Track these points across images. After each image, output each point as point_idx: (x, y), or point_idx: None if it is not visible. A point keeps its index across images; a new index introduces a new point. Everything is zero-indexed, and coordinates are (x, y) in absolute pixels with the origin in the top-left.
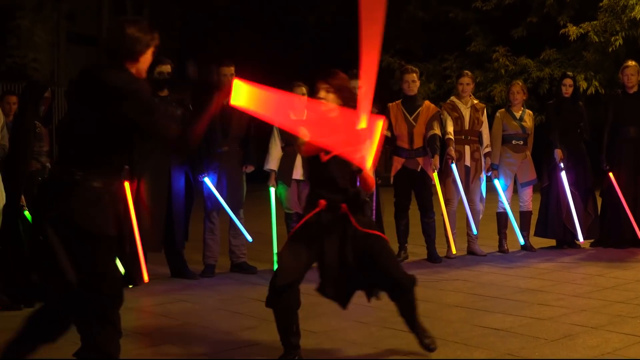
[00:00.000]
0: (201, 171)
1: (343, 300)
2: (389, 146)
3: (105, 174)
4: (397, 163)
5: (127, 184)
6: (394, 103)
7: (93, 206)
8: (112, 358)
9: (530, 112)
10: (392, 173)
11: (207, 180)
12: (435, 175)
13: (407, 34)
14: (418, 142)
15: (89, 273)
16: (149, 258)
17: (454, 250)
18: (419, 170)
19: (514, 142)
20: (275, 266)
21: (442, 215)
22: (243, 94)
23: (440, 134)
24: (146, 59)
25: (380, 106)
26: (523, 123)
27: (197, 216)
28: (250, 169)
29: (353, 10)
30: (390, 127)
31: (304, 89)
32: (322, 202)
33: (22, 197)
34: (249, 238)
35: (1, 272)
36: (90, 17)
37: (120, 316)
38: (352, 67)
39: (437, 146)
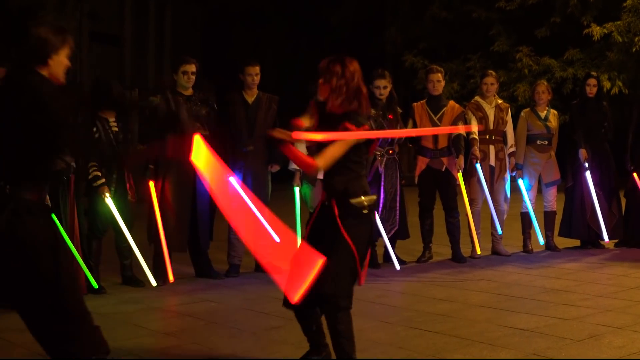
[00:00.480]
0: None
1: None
2: (412, 146)
3: (35, 185)
4: (422, 163)
5: (152, 184)
6: (418, 103)
7: (27, 217)
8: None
9: (555, 112)
10: (417, 173)
11: (232, 179)
12: (460, 176)
13: (430, 34)
14: (442, 142)
15: (38, 282)
16: (173, 258)
17: (478, 251)
18: (443, 170)
19: (538, 142)
20: None
21: (467, 215)
22: (201, 153)
23: (464, 133)
24: (59, 61)
25: (404, 106)
26: (548, 123)
27: (222, 216)
28: (275, 168)
29: (376, 9)
30: (414, 126)
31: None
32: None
33: (47, 197)
34: (276, 238)
35: None
36: (113, 16)
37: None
38: (375, 67)
39: (461, 146)
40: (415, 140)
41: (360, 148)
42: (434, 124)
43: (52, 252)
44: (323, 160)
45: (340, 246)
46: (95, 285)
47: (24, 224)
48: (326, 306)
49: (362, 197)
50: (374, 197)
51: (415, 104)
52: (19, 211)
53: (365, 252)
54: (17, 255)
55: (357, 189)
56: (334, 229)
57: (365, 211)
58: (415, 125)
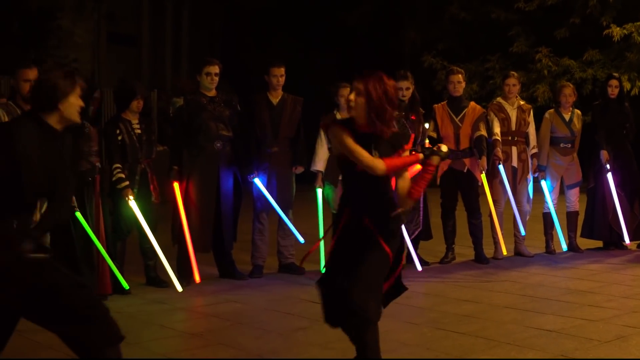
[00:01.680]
0: (251, 172)
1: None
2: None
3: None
4: (443, 164)
5: (176, 185)
6: (439, 104)
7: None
8: None
9: (579, 113)
10: (438, 174)
11: (257, 180)
12: (483, 177)
13: (449, 35)
14: (464, 143)
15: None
16: (197, 259)
17: (504, 252)
18: (465, 171)
19: (562, 145)
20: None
21: (491, 216)
22: None
23: (486, 135)
24: (70, 104)
25: (425, 108)
26: (572, 126)
27: (245, 217)
28: (300, 169)
29: (394, 11)
30: (436, 128)
31: (349, 90)
32: (347, 210)
33: (73, 197)
34: (301, 239)
35: None
36: (130, 17)
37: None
38: (395, 68)
39: (484, 147)
40: (437, 141)
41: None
42: (455, 125)
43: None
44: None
45: (375, 259)
46: (126, 286)
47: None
48: (355, 319)
49: (399, 210)
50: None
51: (436, 105)
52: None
53: (397, 263)
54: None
55: (392, 203)
56: (367, 242)
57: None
58: (436, 127)
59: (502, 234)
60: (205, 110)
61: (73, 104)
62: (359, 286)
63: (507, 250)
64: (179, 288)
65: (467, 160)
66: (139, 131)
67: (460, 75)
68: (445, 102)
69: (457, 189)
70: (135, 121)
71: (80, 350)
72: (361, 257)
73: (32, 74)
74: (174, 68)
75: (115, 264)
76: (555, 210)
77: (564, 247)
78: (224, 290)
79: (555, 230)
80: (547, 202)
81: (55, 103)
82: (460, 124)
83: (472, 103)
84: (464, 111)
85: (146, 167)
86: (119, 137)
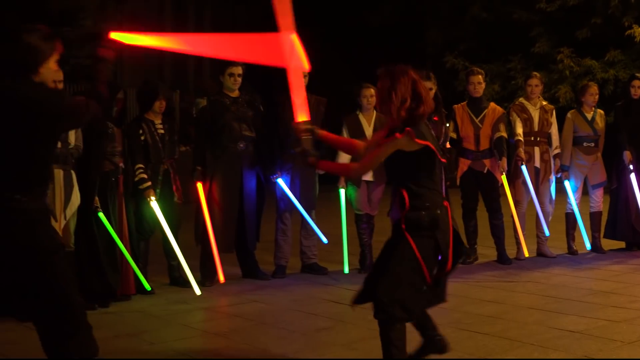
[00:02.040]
0: (274, 172)
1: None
2: (454, 148)
3: (37, 192)
4: (463, 164)
5: (200, 185)
6: (459, 105)
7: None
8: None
9: (602, 112)
10: (459, 174)
11: (280, 181)
12: (503, 177)
13: (470, 35)
14: (484, 144)
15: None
16: (221, 259)
17: (526, 253)
18: (485, 172)
19: (585, 144)
20: (346, 268)
21: (512, 217)
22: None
23: (506, 135)
24: (48, 68)
25: (446, 109)
26: (594, 125)
27: (268, 217)
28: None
29: (416, 11)
30: (456, 128)
31: (372, 90)
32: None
33: (96, 198)
34: (324, 239)
35: (76, 272)
36: (153, 18)
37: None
38: (417, 68)
39: (504, 148)
40: (457, 142)
41: (422, 161)
42: (475, 126)
43: (52, 257)
44: (361, 164)
45: (404, 256)
46: (147, 287)
47: (28, 232)
48: (380, 313)
49: (423, 213)
50: (437, 212)
51: (456, 105)
52: (23, 220)
53: (434, 265)
54: (21, 263)
55: (419, 204)
56: (401, 238)
57: (425, 227)
58: (456, 127)
59: (524, 234)
60: (228, 110)
61: (51, 69)
62: (387, 282)
63: (529, 251)
64: (197, 292)
65: (487, 161)
66: (161, 131)
67: (480, 76)
68: (465, 102)
69: (477, 189)
70: (158, 121)
71: (49, 349)
72: (393, 253)
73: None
74: (196, 69)
75: (138, 265)
76: (578, 210)
77: (588, 246)
78: (247, 290)
79: (578, 230)
80: (570, 203)
81: (36, 66)
82: (480, 125)
83: (492, 104)
84: (484, 112)
85: (169, 167)
86: (142, 137)
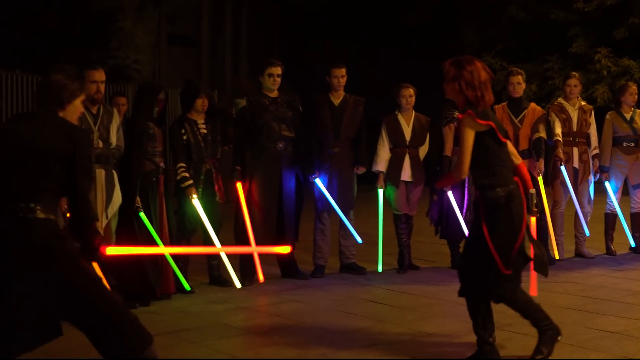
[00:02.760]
0: (312, 172)
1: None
2: None
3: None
4: None
5: (239, 185)
6: (499, 105)
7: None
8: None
9: None
10: None
11: (318, 181)
12: (540, 179)
13: (507, 35)
14: (523, 144)
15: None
16: (260, 258)
17: (556, 255)
18: None
19: (624, 144)
20: (380, 267)
21: (546, 218)
22: None
23: (545, 136)
24: (75, 107)
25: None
26: (634, 124)
27: (307, 216)
28: (361, 170)
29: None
30: None
31: (411, 90)
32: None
33: (138, 198)
34: (359, 239)
35: (117, 271)
36: (191, 18)
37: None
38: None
39: (542, 149)
40: None
41: (486, 141)
42: (515, 127)
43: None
44: (457, 165)
45: (481, 240)
46: (187, 287)
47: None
48: (495, 298)
49: (498, 189)
50: (511, 187)
51: (496, 106)
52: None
53: (513, 243)
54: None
55: (493, 181)
56: (479, 221)
57: (502, 202)
58: None
59: (562, 235)
60: (267, 111)
61: (77, 108)
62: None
63: (567, 252)
64: (238, 285)
65: (525, 162)
66: (204, 131)
67: (520, 77)
68: (505, 103)
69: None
70: (201, 121)
71: (107, 354)
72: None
73: (99, 75)
74: (233, 68)
75: (178, 264)
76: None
77: (632, 244)
78: (286, 289)
79: (617, 231)
80: (611, 203)
81: (63, 103)
82: (519, 125)
83: (532, 104)
84: (524, 112)
85: (211, 167)
86: (184, 137)
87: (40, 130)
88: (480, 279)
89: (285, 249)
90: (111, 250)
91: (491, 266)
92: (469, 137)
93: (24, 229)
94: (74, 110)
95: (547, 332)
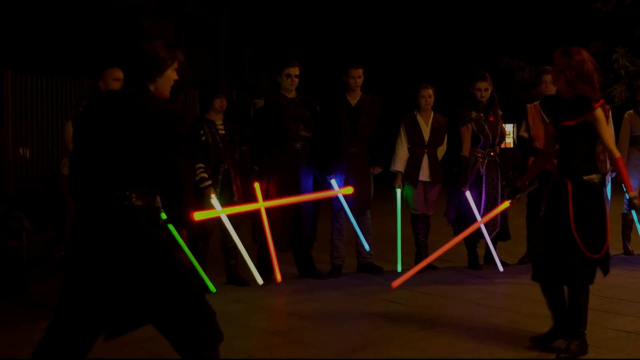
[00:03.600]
0: (329, 172)
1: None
2: (523, 148)
3: (149, 191)
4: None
5: (257, 185)
6: (532, 104)
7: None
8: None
9: None
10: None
11: (333, 181)
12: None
13: (525, 35)
14: None
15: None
16: (277, 258)
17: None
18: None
19: None
20: (400, 267)
21: None
22: None
23: None
24: (167, 77)
25: (502, 108)
26: None
27: (324, 216)
28: (378, 170)
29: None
30: (527, 128)
31: (430, 90)
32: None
33: (157, 197)
34: (367, 246)
35: None
36: (210, 20)
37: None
38: (473, 68)
39: None
40: (528, 141)
41: (590, 130)
42: (546, 125)
43: (169, 252)
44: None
45: (567, 227)
46: (212, 289)
47: (141, 229)
48: (569, 282)
49: (594, 175)
50: (602, 174)
51: (528, 105)
52: (142, 220)
53: (603, 226)
54: (139, 262)
55: (590, 167)
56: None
57: (598, 187)
58: (528, 127)
59: None
60: (285, 111)
61: (170, 78)
62: (567, 251)
63: None
64: (260, 281)
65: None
66: (222, 132)
67: (551, 75)
68: (538, 102)
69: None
70: (219, 122)
71: (179, 347)
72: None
73: (118, 73)
74: (252, 70)
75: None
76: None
77: None
78: (304, 289)
79: (635, 230)
80: (627, 203)
81: (154, 75)
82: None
83: None
84: None
85: (229, 167)
86: (203, 138)
87: (129, 114)
88: (567, 264)
89: (348, 190)
90: (199, 215)
91: (576, 252)
92: (606, 124)
93: (120, 216)
94: (166, 81)
95: (582, 341)
